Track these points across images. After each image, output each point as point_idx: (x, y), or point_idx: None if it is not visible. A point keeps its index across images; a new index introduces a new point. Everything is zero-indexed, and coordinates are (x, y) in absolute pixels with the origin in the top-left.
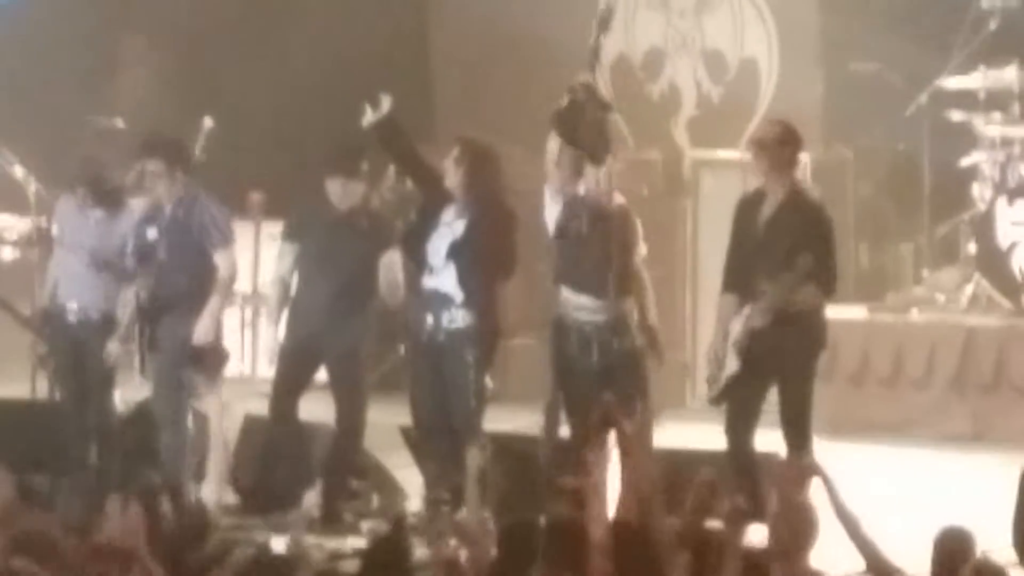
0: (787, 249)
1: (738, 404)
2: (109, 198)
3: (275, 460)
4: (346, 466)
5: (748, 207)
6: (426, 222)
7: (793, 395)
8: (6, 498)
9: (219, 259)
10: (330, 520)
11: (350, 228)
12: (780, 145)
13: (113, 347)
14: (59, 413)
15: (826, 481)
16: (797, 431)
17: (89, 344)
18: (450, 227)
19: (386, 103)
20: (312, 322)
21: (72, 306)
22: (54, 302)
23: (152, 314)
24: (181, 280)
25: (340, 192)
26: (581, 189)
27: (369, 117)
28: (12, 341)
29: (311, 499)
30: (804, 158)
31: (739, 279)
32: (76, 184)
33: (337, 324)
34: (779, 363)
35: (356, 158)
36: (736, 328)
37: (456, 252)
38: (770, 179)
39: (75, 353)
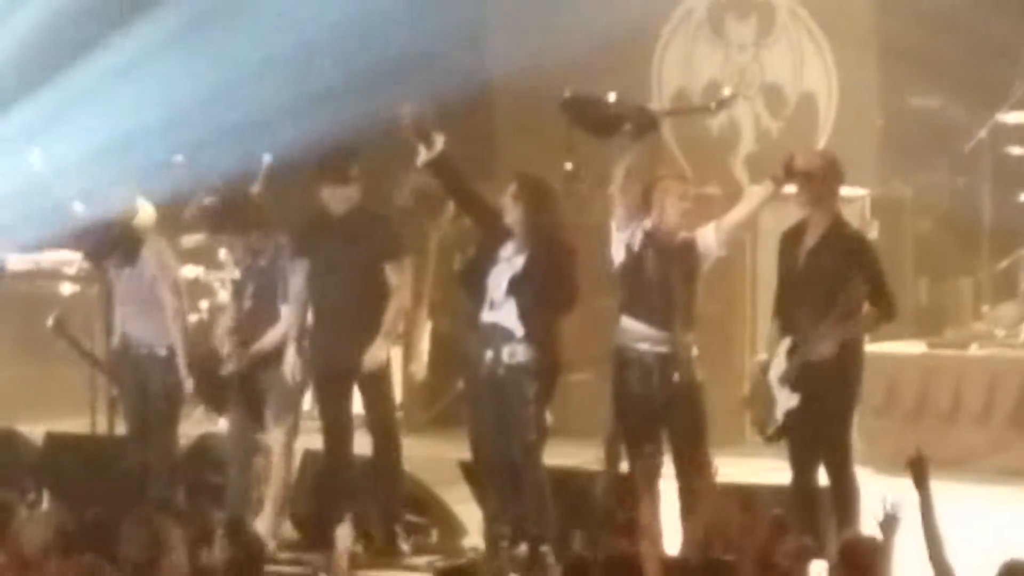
0: (831, 279)
1: (799, 439)
2: (120, 255)
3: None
4: (390, 491)
5: (790, 239)
6: (485, 257)
7: (835, 427)
8: (44, 538)
9: (284, 311)
10: (388, 554)
11: (348, 237)
12: (822, 177)
13: (186, 383)
14: (120, 448)
15: (925, 498)
16: (839, 463)
17: (154, 380)
18: (510, 262)
19: (439, 141)
20: (331, 341)
21: (137, 343)
22: (122, 340)
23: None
24: (267, 326)
25: (331, 199)
26: (648, 223)
27: (423, 156)
28: (66, 376)
29: (346, 533)
30: (863, 193)
31: (784, 310)
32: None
33: (355, 341)
34: (827, 396)
35: (343, 163)
36: (780, 364)
37: (517, 287)
38: (812, 210)
39: (140, 389)
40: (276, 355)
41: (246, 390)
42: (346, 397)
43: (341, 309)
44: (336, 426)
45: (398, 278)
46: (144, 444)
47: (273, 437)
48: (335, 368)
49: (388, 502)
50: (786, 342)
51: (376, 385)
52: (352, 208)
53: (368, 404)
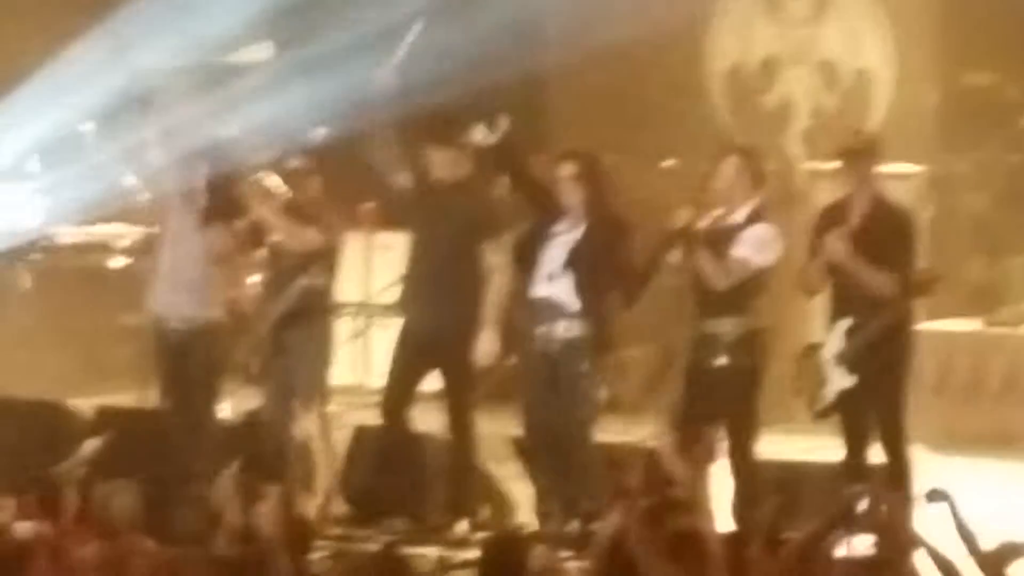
0: (882, 258)
1: (852, 418)
2: (225, 209)
3: (386, 468)
4: (462, 474)
5: (831, 217)
6: (539, 232)
7: (890, 406)
8: (131, 509)
9: None
10: (440, 531)
11: (448, 207)
12: (863, 155)
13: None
14: (165, 421)
15: (950, 501)
16: (894, 441)
17: (194, 350)
18: (568, 235)
19: (504, 123)
20: (417, 315)
21: (178, 313)
22: (160, 309)
23: (281, 320)
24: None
25: (436, 163)
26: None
27: (486, 136)
28: (115, 350)
29: (420, 509)
30: (919, 170)
31: (837, 290)
32: (194, 196)
33: (441, 318)
34: (883, 376)
35: (455, 127)
36: (837, 344)
37: (574, 261)
38: (855, 188)
39: (180, 359)
40: (302, 316)
41: (274, 359)
42: (421, 375)
43: (434, 284)
44: (402, 402)
45: (498, 258)
46: (184, 417)
47: (310, 415)
48: (420, 345)
49: (458, 486)
50: (844, 322)
51: (460, 368)
52: (456, 178)
53: (449, 386)
